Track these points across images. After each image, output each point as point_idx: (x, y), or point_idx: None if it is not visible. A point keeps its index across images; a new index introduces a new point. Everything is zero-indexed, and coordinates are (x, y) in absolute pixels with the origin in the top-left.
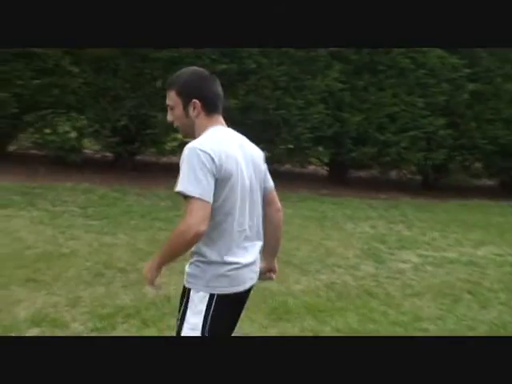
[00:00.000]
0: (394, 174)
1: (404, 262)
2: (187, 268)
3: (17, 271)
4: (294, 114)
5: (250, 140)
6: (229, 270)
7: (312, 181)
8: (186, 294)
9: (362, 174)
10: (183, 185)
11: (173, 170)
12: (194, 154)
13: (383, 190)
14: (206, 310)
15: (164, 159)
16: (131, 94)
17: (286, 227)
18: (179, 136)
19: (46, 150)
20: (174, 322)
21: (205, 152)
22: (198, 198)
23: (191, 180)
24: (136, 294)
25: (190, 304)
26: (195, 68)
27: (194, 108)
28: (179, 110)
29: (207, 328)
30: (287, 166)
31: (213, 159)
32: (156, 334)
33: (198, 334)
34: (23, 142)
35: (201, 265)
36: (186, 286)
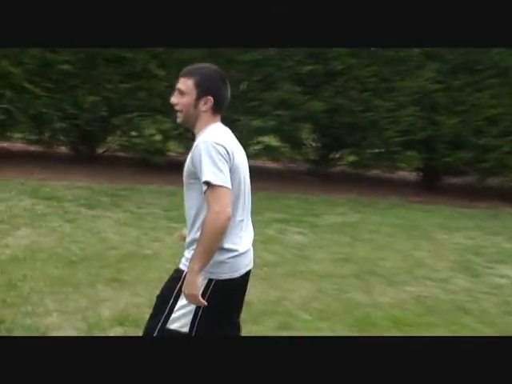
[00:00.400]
0: (493, 181)
1: (503, 276)
2: (187, 254)
3: (102, 270)
4: (383, 117)
5: (336, 144)
6: (228, 258)
7: (401, 187)
8: (182, 275)
9: (457, 180)
10: (208, 175)
11: (256, 174)
12: (211, 147)
13: (480, 198)
14: (203, 292)
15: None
16: None
17: (373, 235)
18: (264, 139)
19: (132, 152)
20: (255, 328)
21: (220, 145)
22: (222, 186)
23: (214, 170)
24: None
25: None
26: (216, 67)
27: (206, 103)
28: (190, 99)
29: (201, 310)
30: (375, 171)
31: (227, 152)
32: None
33: (190, 313)
34: (111, 145)
35: None
36: (185, 269)
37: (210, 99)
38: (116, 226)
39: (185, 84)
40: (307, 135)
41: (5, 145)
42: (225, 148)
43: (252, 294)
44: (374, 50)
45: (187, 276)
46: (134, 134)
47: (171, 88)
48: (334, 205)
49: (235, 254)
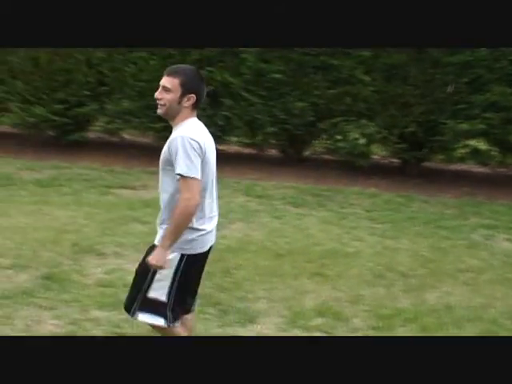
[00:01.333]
0: None
1: None
2: (161, 232)
3: (306, 264)
4: None
5: None
6: (198, 236)
7: None
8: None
9: None
10: (182, 168)
11: (462, 178)
12: (186, 142)
13: None
14: (177, 265)
15: (453, 166)
16: (420, 100)
17: None
18: (471, 143)
19: (337, 155)
20: (456, 332)
21: (195, 140)
22: (194, 178)
23: (188, 163)
24: (416, 299)
25: None
26: (196, 68)
27: (188, 100)
28: (175, 96)
29: (176, 280)
30: None
31: (200, 146)
32: None
33: (167, 283)
34: (317, 148)
35: None
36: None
37: (193, 97)
38: (320, 223)
39: (171, 82)
40: None
41: (223, 148)
42: (198, 143)
43: (453, 298)
44: None
45: (156, 250)
46: (338, 137)
47: (376, 93)
48: None
49: (203, 232)
